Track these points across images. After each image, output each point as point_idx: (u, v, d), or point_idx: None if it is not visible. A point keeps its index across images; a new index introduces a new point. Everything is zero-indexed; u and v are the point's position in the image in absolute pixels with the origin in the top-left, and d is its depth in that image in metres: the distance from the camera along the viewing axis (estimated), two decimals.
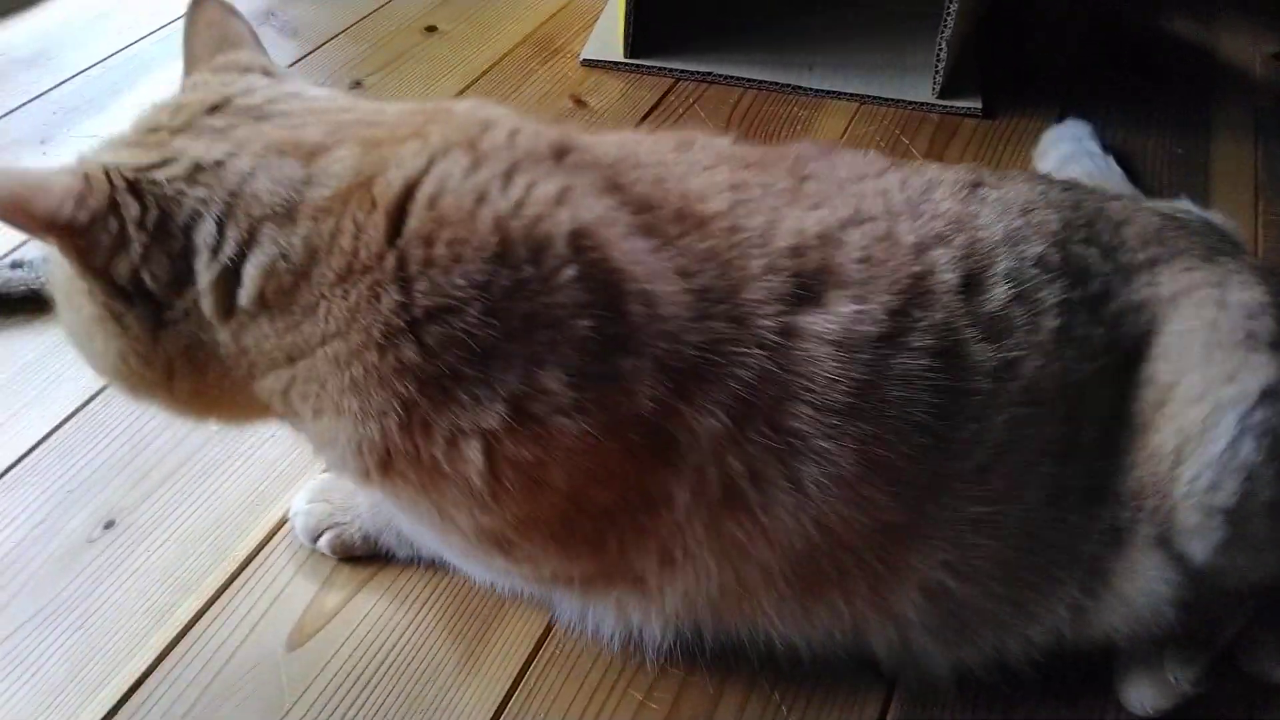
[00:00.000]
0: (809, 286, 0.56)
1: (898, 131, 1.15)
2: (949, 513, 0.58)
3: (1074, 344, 0.58)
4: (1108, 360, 0.59)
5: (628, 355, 0.52)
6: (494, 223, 0.51)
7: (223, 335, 0.53)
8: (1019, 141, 1.14)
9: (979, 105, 1.18)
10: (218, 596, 0.70)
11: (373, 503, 0.72)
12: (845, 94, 1.20)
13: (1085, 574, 0.60)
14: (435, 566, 0.72)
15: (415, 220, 0.51)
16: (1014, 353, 0.57)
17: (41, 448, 0.79)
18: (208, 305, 0.52)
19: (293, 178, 0.52)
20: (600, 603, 0.65)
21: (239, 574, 0.71)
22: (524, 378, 0.51)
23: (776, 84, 1.22)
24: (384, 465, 0.54)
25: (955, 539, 0.58)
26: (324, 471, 0.76)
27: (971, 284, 0.58)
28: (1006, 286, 0.58)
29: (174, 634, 0.68)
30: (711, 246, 0.56)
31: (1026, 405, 0.57)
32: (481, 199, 0.52)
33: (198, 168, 0.51)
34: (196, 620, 0.69)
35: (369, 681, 0.66)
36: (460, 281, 0.50)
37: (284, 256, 0.51)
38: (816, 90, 1.21)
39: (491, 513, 0.55)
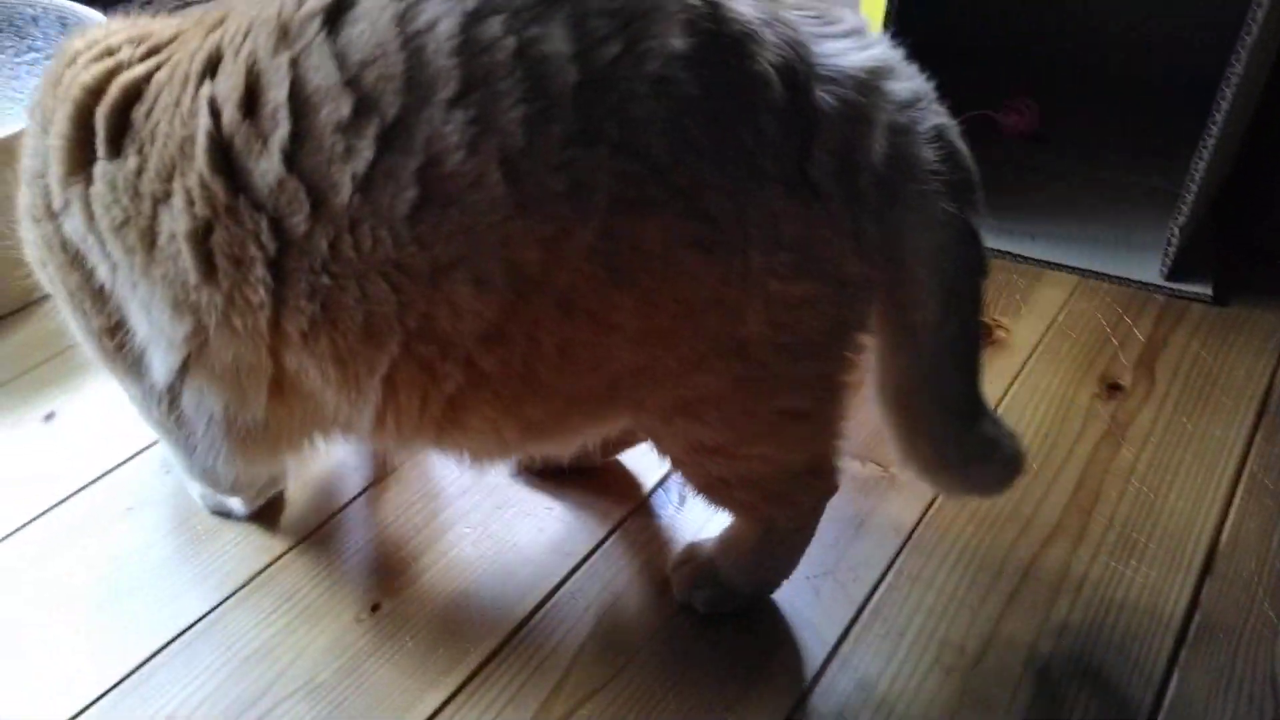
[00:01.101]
0: None
1: (1120, 310, 1.17)
2: None
3: None
4: None
5: None
6: None
7: None
8: (1251, 332, 1.13)
9: (1209, 291, 1.18)
10: (459, 690, 0.77)
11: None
12: (1066, 266, 1.23)
13: None
14: (653, 687, 0.78)
15: None
16: None
17: (323, 530, 0.91)
18: None
19: None
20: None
21: (480, 670, 0.79)
22: None
23: (996, 250, 1.26)
24: None
25: None
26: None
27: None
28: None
29: None
30: None
31: None
32: None
33: None
34: (438, 712, 0.76)
35: None
36: None
37: None
38: (1037, 260, 1.24)
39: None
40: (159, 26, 0.70)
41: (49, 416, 1.03)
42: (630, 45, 0.56)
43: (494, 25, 0.56)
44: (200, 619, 0.82)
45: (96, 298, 0.71)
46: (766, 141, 0.59)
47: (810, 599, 0.84)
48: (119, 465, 0.97)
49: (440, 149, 0.56)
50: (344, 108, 0.57)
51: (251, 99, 0.60)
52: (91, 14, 1.40)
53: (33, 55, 1.43)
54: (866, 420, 1.01)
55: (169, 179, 0.63)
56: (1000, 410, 1.03)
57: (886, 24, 1.15)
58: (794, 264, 0.61)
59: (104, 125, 0.66)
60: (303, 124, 0.58)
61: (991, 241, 1.24)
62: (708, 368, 0.65)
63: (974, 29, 1.58)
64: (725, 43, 0.58)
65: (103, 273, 0.69)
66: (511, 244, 0.58)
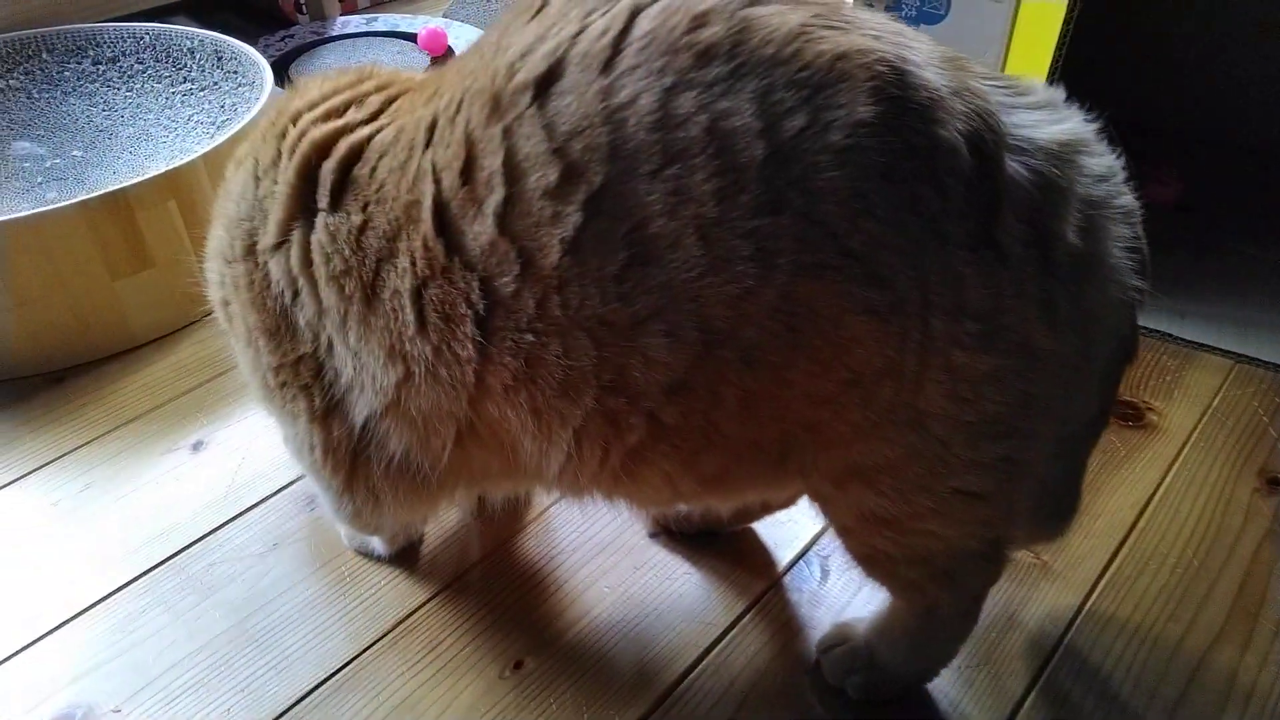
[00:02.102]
0: None
1: (1277, 399, 1.12)
2: None
3: None
4: None
5: None
6: None
7: None
8: None
9: None
10: None
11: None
12: (1219, 349, 1.18)
13: None
14: None
15: None
16: None
17: (465, 578, 0.91)
18: None
19: None
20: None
21: None
22: None
23: (1143, 327, 1.21)
24: None
25: None
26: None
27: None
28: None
29: None
30: None
31: None
32: None
33: None
34: None
35: None
36: None
37: None
38: (1187, 341, 1.20)
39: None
40: (374, 90, 0.73)
41: (197, 445, 1.05)
42: (815, 116, 0.57)
43: (687, 101, 0.58)
44: (347, 664, 0.83)
45: (272, 335, 0.74)
46: (951, 205, 0.58)
47: (963, 691, 0.82)
48: (265, 499, 0.98)
49: (645, 215, 0.59)
50: (551, 174, 0.60)
51: (469, 167, 0.62)
52: (246, 49, 1.45)
53: (187, 86, 1.48)
54: None
55: (394, 239, 0.65)
56: (1156, 500, 0.99)
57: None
58: (980, 334, 0.60)
59: (329, 180, 0.69)
60: (514, 189, 0.61)
61: (1140, 318, 1.21)
62: (882, 435, 0.64)
63: (1118, 98, 1.55)
64: (912, 109, 0.58)
65: (307, 313, 0.71)
66: (703, 300, 0.59)
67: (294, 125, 0.72)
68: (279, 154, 0.72)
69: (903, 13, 1.82)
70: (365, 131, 0.69)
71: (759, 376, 0.61)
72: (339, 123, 0.70)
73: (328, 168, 0.69)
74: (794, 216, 0.57)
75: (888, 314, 0.59)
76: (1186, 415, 1.10)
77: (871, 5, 1.85)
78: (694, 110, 0.57)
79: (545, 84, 0.60)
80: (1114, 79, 1.52)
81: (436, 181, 0.63)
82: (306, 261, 0.70)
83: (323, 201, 0.69)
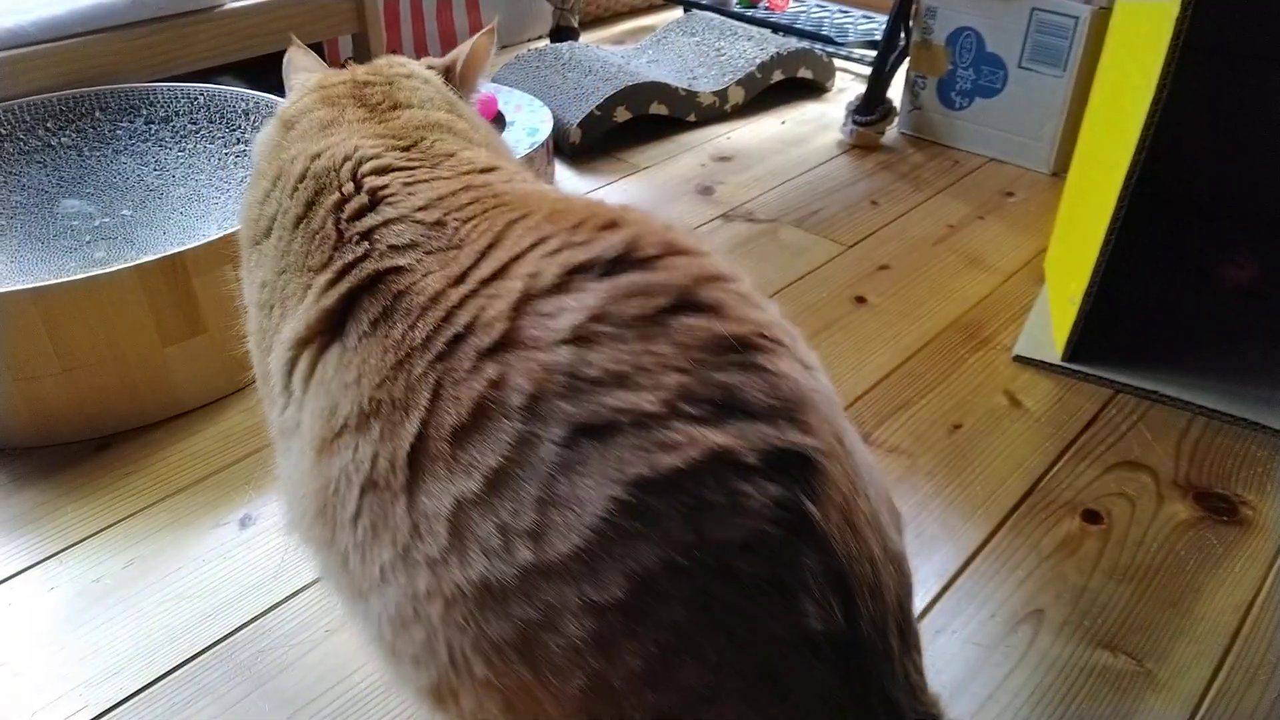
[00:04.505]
0: None
1: None
2: None
3: None
4: None
5: None
6: None
7: None
8: None
9: None
10: None
11: None
12: None
13: None
14: None
15: None
16: None
17: None
18: None
19: None
20: None
21: None
22: None
23: (1229, 415, 1.16)
24: None
25: None
26: None
27: None
28: None
29: None
30: None
31: None
32: None
33: None
34: None
35: None
36: None
37: None
38: (1276, 430, 1.14)
39: None
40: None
41: (245, 520, 1.01)
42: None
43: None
44: None
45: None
46: None
47: None
48: (317, 580, 0.93)
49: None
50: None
51: None
52: None
53: (240, 148, 1.47)
54: (1112, 600, 0.93)
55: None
56: (1259, 602, 0.93)
57: (1128, 180, 1.09)
58: None
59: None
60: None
61: (1222, 403, 1.17)
62: None
63: (1197, 178, 1.52)
64: None
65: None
66: None
67: None
68: None
69: (957, 87, 1.81)
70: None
71: None
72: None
73: None
74: None
75: None
76: None
77: (923, 79, 1.84)
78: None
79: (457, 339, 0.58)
80: (1193, 160, 1.49)
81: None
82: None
83: None
